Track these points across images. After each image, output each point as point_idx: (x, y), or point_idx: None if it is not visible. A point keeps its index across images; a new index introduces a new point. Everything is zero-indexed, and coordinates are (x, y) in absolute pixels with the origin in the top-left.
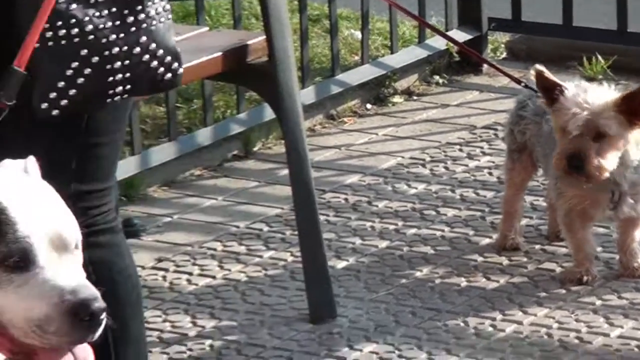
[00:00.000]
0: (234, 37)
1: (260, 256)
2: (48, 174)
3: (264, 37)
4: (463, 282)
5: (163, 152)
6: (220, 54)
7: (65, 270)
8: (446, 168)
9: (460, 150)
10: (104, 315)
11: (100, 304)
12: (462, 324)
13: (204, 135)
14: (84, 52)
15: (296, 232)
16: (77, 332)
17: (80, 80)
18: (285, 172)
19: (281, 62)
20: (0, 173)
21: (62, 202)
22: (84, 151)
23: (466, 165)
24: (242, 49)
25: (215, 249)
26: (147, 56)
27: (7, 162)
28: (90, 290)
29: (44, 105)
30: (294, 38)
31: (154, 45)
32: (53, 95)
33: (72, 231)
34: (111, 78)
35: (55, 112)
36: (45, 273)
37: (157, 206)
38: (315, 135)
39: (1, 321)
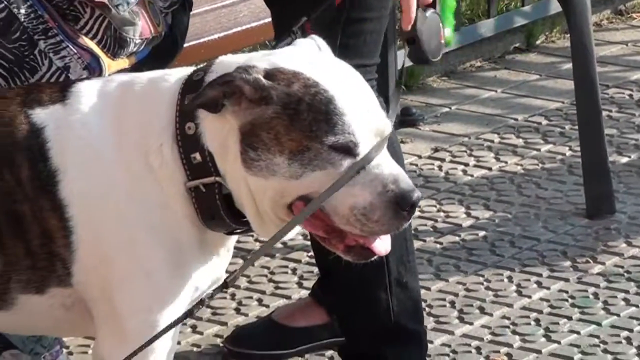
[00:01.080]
0: None
1: (538, 149)
2: None
3: None
4: None
5: None
6: None
7: (384, 160)
8: None
9: None
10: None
11: (418, 194)
12: None
13: (486, 27)
14: None
15: (576, 127)
16: (396, 221)
17: None
18: (568, 65)
19: None
20: (310, 56)
21: (369, 87)
22: (350, 26)
23: None
24: None
25: (492, 141)
26: None
27: (301, 41)
28: (408, 181)
29: None
30: None
31: None
32: None
33: (387, 120)
34: None
35: None
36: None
37: (436, 96)
38: (602, 30)
39: (324, 207)
